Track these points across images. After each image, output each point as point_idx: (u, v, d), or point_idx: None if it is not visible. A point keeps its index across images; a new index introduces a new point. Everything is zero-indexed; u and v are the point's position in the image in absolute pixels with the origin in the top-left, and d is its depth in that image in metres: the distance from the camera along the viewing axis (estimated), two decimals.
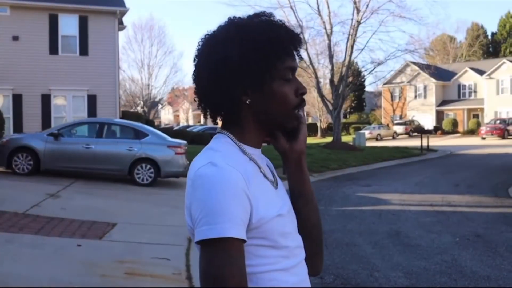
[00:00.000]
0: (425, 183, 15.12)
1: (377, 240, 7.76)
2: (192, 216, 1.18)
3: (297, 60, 1.31)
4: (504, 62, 48.91)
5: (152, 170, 12.31)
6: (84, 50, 20.63)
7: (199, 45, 1.31)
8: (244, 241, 1.14)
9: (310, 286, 1.32)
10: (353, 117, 62.72)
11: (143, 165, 12.31)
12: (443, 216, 9.76)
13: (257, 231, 1.19)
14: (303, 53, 28.04)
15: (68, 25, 20.41)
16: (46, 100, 20.10)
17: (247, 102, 1.25)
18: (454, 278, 5.84)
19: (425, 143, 28.18)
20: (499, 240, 7.77)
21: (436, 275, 5.95)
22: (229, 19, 1.30)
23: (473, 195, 12.60)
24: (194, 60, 1.31)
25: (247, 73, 1.23)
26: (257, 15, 1.30)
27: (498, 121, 42.52)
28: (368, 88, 61.89)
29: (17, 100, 19.73)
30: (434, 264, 6.37)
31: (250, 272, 1.18)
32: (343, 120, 55.67)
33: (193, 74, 1.31)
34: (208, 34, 1.30)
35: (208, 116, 1.32)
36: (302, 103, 1.31)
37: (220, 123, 1.33)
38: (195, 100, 1.34)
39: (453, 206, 10.98)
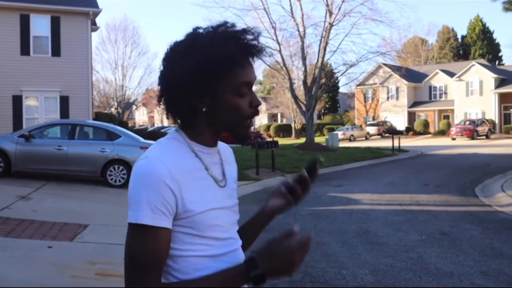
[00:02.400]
0: (395, 183, 15.43)
1: (346, 239, 7.94)
2: None
3: (254, 72, 1.40)
4: (473, 65, 50.04)
5: (125, 171, 12.30)
6: (56, 51, 20.45)
7: (164, 54, 1.40)
8: (157, 227, 1.28)
9: None
10: (327, 118, 63.27)
11: (116, 166, 12.30)
12: (411, 215, 10.00)
13: (185, 221, 1.32)
14: (277, 55, 28.28)
15: (40, 26, 20.21)
16: (17, 101, 19.86)
17: (203, 110, 1.37)
18: (418, 274, 6.03)
19: (396, 144, 28.66)
20: (463, 237, 8.02)
21: (402, 272, 6.14)
22: (193, 30, 1.39)
23: (441, 194, 12.91)
24: (160, 67, 1.41)
25: (200, 85, 1.34)
26: (217, 27, 1.37)
27: (468, 122, 43.43)
28: (342, 89, 62.63)
29: None
30: (400, 262, 6.56)
31: (177, 255, 1.34)
32: (317, 121, 56.15)
33: (159, 80, 1.41)
34: (172, 45, 1.40)
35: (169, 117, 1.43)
36: (255, 114, 1.41)
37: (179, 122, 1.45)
38: (159, 102, 1.43)
39: (421, 205, 11.25)
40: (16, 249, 6.41)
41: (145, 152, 1.37)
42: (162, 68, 1.40)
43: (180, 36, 1.41)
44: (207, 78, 1.33)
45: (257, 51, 1.36)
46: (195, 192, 1.34)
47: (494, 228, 8.80)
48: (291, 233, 1.28)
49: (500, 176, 16.46)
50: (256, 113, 1.42)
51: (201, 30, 1.38)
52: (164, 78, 1.39)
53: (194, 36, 1.37)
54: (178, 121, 1.44)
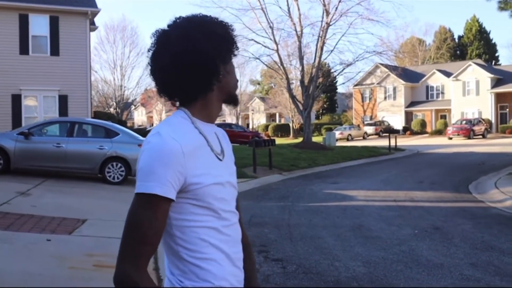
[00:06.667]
0: (391, 181, 15.57)
1: (340, 233, 8.08)
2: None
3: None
4: (470, 65, 50.26)
5: (123, 168, 12.42)
6: (55, 51, 20.54)
7: (157, 41, 1.53)
8: (169, 199, 1.41)
9: (241, 245, 1.62)
10: (325, 118, 63.39)
11: (114, 163, 12.41)
12: (405, 211, 10.15)
13: (194, 193, 1.46)
14: (274, 55, 28.52)
15: (39, 25, 20.30)
16: (16, 100, 19.96)
17: (221, 77, 1.56)
18: (409, 266, 6.18)
19: (393, 143, 28.81)
20: (455, 231, 8.18)
21: (393, 263, 6.28)
22: (184, 17, 1.57)
23: (435, 191, 13.06)
24: (153, 56, 1.54)
25: (219, 58, 1.53)
26: (203, 15, 1.59)
27: (464, 122, 43.54)
28: (340, 89, 62.77)
29: None
30: (392, 254, 6.71)
31: (185, 225, 1.48)
32: (315, 121, 56.32)
33: (155, 68, 1.54)
34: (166, 30, 1.55)
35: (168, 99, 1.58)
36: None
37: (179, 102, 1.59)
38: (159, 93, 1.57)
39: (415, 201, 11.40)
40: (15, 242, 6.53)
41: (155, 128, 1.49)
42: (170, 51, 1.50)
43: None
44: (227, 52, 1.56)
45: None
46: (203, 166, 1.48)
47: (486, 222, 8.95)
48: None
49: (494, 173, 16.64)
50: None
51: (197, 16, 1.60)
52: (175, 59, 1.49)
53: (200, 20, 1.56)
54: (180, 100, 1.58)
